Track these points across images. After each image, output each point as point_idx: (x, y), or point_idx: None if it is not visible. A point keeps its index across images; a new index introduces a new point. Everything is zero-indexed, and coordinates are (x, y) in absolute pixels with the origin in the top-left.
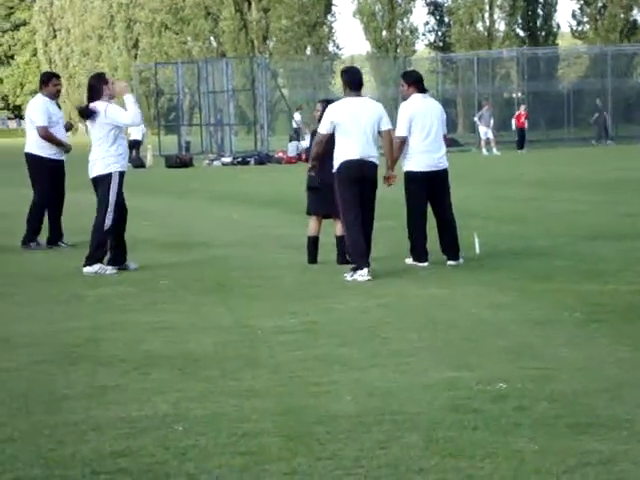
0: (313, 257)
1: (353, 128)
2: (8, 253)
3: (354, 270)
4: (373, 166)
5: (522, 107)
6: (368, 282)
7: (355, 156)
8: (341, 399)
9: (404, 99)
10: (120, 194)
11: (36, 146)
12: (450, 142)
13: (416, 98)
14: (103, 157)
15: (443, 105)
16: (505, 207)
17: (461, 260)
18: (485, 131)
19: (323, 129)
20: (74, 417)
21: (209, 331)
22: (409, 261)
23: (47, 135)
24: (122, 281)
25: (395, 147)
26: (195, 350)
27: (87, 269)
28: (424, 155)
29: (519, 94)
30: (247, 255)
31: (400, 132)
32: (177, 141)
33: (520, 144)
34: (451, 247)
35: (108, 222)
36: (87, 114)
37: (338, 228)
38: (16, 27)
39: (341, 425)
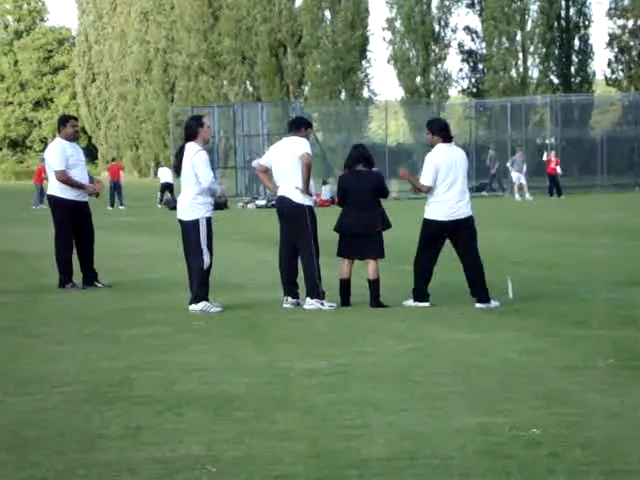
0: (345, 300)
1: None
2: (44, 293)
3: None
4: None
5: (552, 153)
6: (398, 326)
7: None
8: (374, 442)
9: (430, 147)
10: (210, 236)
11: (58, 189)
12: (483, 186)
13: (441, 148)
14: (190, 203)
15: (476, 151)
16: (539, 252)
17: (493, 303)
18: (518, 176)
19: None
20: (108, 457)
21: (242, 372)
22: (409, 302)
23: (65, 178)
24: (156, 321)
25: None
26: (228, 391)
27: (193, 307)
28: (444, 205)
29: (552, 140)
30: (280, 297)
31: (426, 181)
32: None
33: (551, 190)
34: (480, 290)
35: (206, 261)
36: (181, 159)
37: (370, 271)
38: (55, 70)
39: (373, 469)
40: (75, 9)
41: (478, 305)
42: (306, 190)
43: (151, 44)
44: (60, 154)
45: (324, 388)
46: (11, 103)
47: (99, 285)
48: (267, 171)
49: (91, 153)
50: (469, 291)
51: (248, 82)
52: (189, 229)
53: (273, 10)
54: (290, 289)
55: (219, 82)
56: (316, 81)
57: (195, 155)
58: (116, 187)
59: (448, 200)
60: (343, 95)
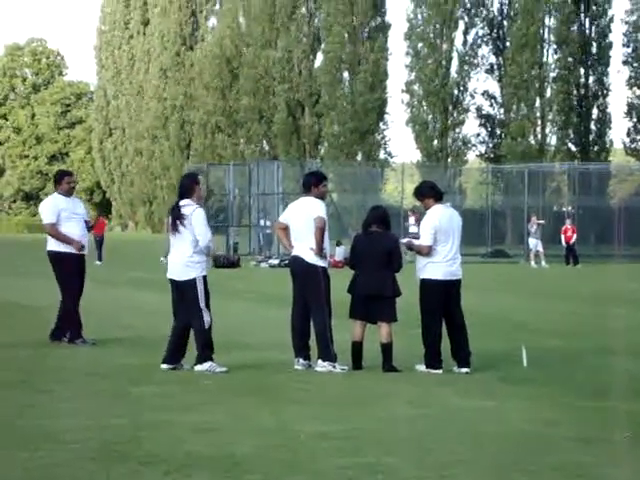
0: (357, 363)
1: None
2: (50, 348)
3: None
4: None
5: (568, 222)
6: (411, 391)
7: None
8: None
9: (426, 209)
10: (208, 295)
11: (55, 244)
12: (498, 252)
13: (437, 209)
14: (186, 263)
15: (493, 216)
16: (555, 320)
17: (469, 369)
18: (535, 243)
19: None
20: None
21: (252, 434)
22: (421, 367)
23: (53, 232)
24: (166, 380)
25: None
26: (237, 453)
27: (198, 367)
28: (443, 265)
29: (569, 208)
30: (292, 358)
31: (426, 241)
32: (225, 242)
33: (567, 259)
34: (462, 353)
35: (207, 321)
36: (178, 216)
37: (383, 334)
38: (72, 125)
39: None
40: (94, 64)
41: (460, 370)
42: (319, 253)
43: (168, 100)
44: (51, 208)
45: (334, 452)
46: (27, 156)
47: (76, 342)
48: (286, 229)
49: (105, 208)
50: (450, 354)
51: (265, 141)
52: (186, 289)
53: (292, 70)
54: (301, 350)
55: (235, 140)
56: (333, 142)
57: (193, 213)
58: (100, 241)
59: (447, 260)
60: (359, 156)
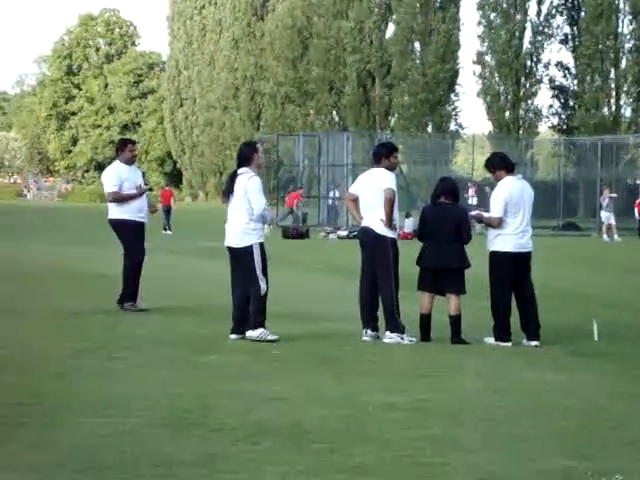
0: (426, 335)
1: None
2: (120, 315)
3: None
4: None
5: None
6: (479, 363)
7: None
8: None
9: (497, 181)
10: (265, 262)
11: (117, 211)
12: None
13: (508, 181)
14: (243, 230)
15: (565, 189)
16: (627, 294)
17: (539, 342)
18: (607, 216)
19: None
20: None
21: (319, 404)
22: (490, 340)
23: (116, 197)
24: (236, 349)
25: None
26: (305, 422)
27: (249, 333)
28: (514, 237)
29: None
30: (359, 329)
31: (496, 213)
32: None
33: None
34: (532, 325)
35: (263, 288)
36: (232, 181)
37: (452, 307)
38: (144, 95)
39: None
40: (166, 34)
41: (529, 343)
42: (389, 224)
43: (239, 71)
44: (115, 176)
45: (402, 424)
46: (99, 126)
47: (141, 305)
48: (356, 200)
49: (176, 178)
50: (520, 326)
51: (334, 112)
52: (243, 256)
53: (363, 40)
54: (369, 321)
55: (305, 111)
56: (403, 113)
57: (249, 181)
58: (167, 211)
59: (518, 233)
60: (430, 128)
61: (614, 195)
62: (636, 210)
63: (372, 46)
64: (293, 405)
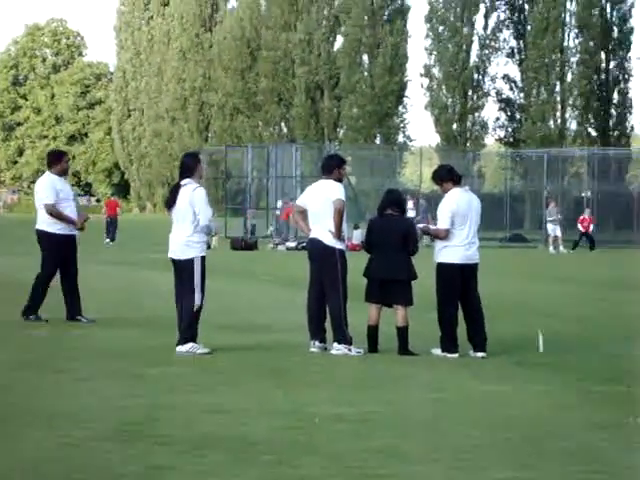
0: (373, 346)
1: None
2: (66, 329)
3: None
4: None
5: (587, 212)
6: (426, 374)
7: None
8: None
9: (444, 193)
10: (204, 276)
11: (46, 223)
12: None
13: (455, 193)
14: (186, 242)
15: (511, 201)
16: (571, 306)
17: (485, 354)
18: (553, 228)
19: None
20: None
21: (266, 415)
22: (437, 351)
23: (55, 212)
24: (181, 361)
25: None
26: (252, 434)
27: (179, 348)
28: (461, 249)
29: (588, 193)
30: (307, 340)
31: (443, 225)
32: (243, 224)
33: (576, 244)
34: (478, 337)
35: (197, 302)
36: (176, 192)
37: (399, 318)
38: (91, 105)
39: None
40: (114, 45)
41: (476, 354)
42: (338, 235)
43: (188, 82)
44: (51, 188)
45: (349, 435)
46: (46, 137)
47: (82, 320)
48: (303, 212)
49: (124, 189)
50: (467, 337)
51: (283, 123)
52: (184, 268)
53: (312, 53)
54: (317, 333)
55: (254, 122)
56: (352, 125)
57: (194, 192)
58: (112, 222)
59: (464, 244)
60: (378, 140)
61: (552, 207)
62: (579, 225)
63: (320, 58)
64: (240, 417)
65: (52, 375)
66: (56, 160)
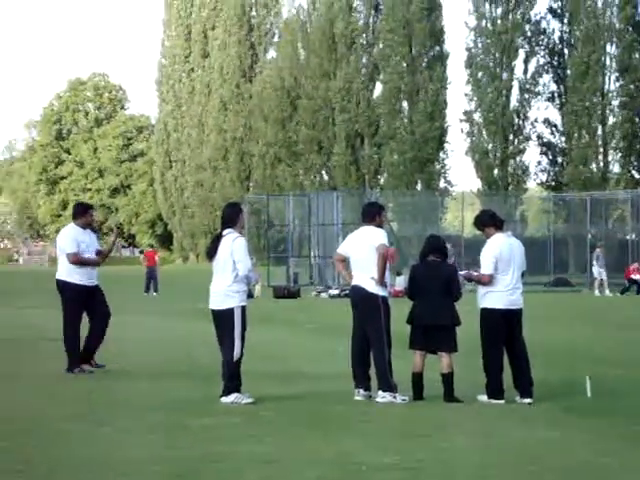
0: (418, 393)
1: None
2: (111, 380)
3: (491, 397)
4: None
5: (635, 264)
6: (473, 421)
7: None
8: None
9: (487, 238)
10: (244, 326)
11: (66, 273)
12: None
13: (498, 238)
14: (225, 292)
15: (555, 245)
16: (619, 350)
17: (532, 400)
18: (599, 272)
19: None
20: None
21: (312, 465)
22: (483, 398)
23: (77, 260)
24: (226, 412)
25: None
26: None
27: (224, 399)
28: (505, 294)
29: (633, 237)
30: (352, 389)
31: (487, 270)
32: (285, 272)
33: (626, 290)
34: (524, 383)
35: (237, 353)
36: (217, 242)
37: (444, 365)
38: (134, 158)
39: None
40: (155, 97)
41: (522, 400)
42: (381, 281)
43: (228, 132)
44: (72, 239)
45: None
46: (89, 189)
47: (86, 368)
48: (344, 260)
49: (167, 240)
50: (513, 384)
51: (324, 171)
52: (223, 318)
53: (351, 101)
54: (362, 381)
55: (295, 171)
56: (392, 171)
57: (234, 242)
58: (152, 273)
59: (509, 290)
60: (419, 185)
61: (599, 251)
62: (633, 275)
63: (360, 106)
64: (286, 467)
65: (96, 428)
66: (82, 213)
